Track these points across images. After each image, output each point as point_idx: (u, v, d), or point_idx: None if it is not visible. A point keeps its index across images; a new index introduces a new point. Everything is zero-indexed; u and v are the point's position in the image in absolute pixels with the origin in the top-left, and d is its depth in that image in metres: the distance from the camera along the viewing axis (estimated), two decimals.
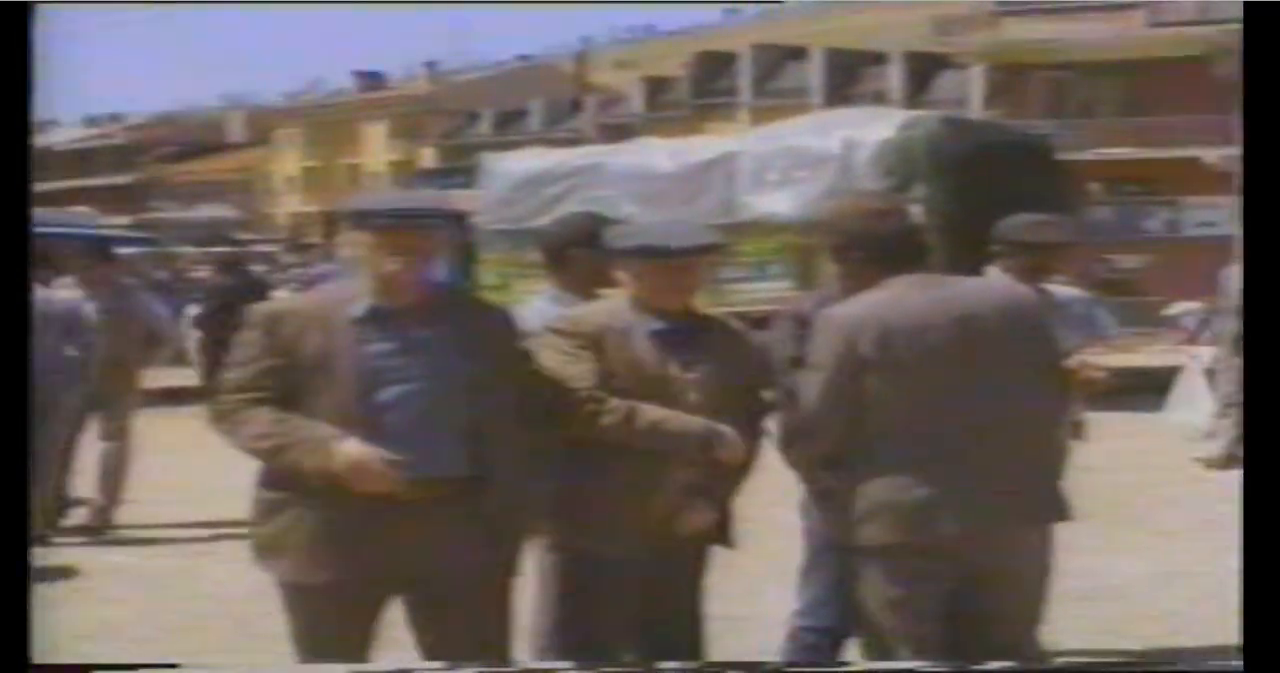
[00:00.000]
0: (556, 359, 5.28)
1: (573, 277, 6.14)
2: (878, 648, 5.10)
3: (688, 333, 5.34)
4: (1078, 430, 7.19)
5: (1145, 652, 7.31)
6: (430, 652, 5.10)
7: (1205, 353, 15.26)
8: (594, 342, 5.28)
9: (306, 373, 4.88)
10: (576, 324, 5.37)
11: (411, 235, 4.89)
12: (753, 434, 5.41)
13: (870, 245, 5.12)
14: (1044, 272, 6.98)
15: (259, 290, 21.41)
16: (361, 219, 4.96)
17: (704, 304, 5.55)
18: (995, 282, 6.22)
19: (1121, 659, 6.93)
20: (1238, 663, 4.31)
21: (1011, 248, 6.99)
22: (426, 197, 5.34)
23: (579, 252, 6.14)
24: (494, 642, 5.14)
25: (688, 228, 5.71)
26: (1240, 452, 12.27)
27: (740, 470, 5.39)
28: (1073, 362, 6.33)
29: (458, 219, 5.40)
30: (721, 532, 5.43)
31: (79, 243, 13.64)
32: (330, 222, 67.62)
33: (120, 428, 11.43)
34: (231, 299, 18.49)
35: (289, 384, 4.89)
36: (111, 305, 11.24)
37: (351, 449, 4.76)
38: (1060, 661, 5.97)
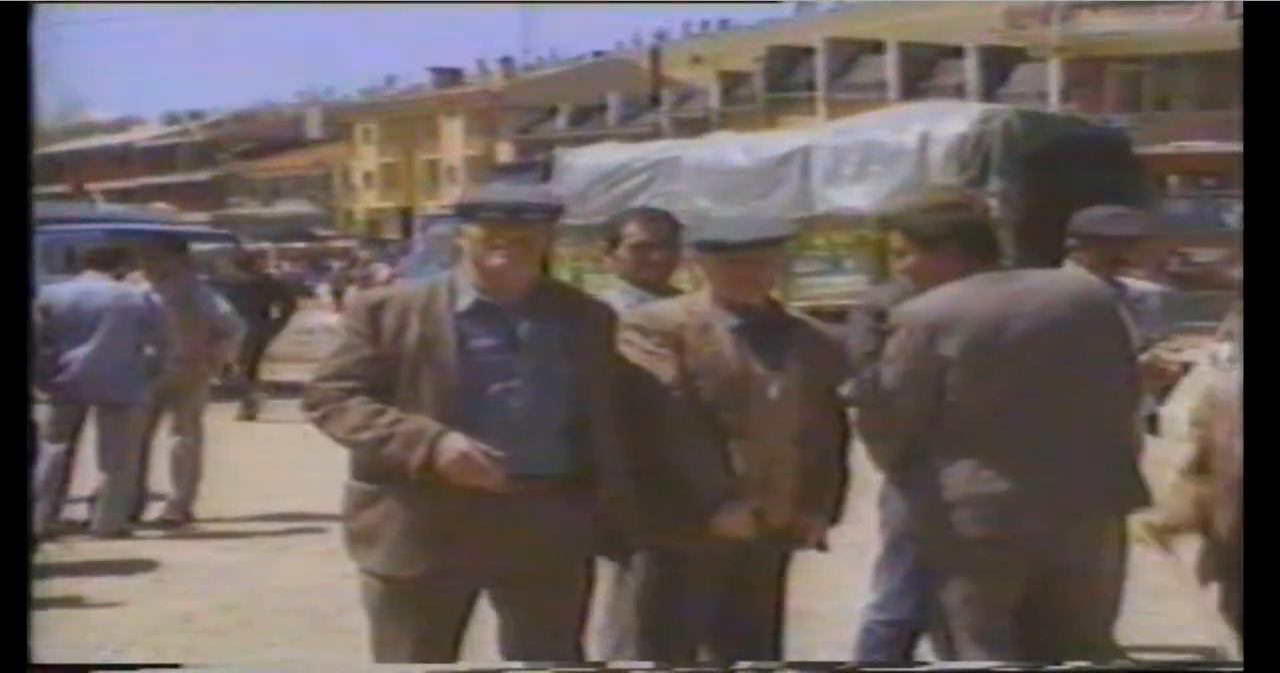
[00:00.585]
0: (637, 356, 5.26)
1: (639, 271, 6.20)
2: (950, 644, 5.09)
3: (768, 329, 5.29)
4: (1151, 424, 7.18)
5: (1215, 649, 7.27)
6: (511, 646, 5.10)
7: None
8: (674, 338, 5.24)
9: (407, 364, 4.86)
10: (656, 321, 5.33)
11: (518, 229, 4.88)
12: (837, 431, 5.39)
13: (948, 239, 5.10)
14: (1120, 265, 6.94)
15: (278, 290, 21.71)
16: (471, 211, 4.97)
17: (779, 298, 5.52)
18: (1070, 275, 6.17)
19: (1190, 658, 6.86)
20: (1238, 664, 4.28)
21: (1087, 241, 6.95)
22: (534, 191, 5.33)
23: (646, 247, 6.21)
24: (573, 639, 5.15)
25: (760, 221, 5.71)
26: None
27: (830, 472, 5.36)
28: (1146, 356, 6.32)
29: (562, 215, 5.44)
30: (809, 534, 5.39)
31: (148, 238, 13.74)
32: (408, 217, 67.94)
33: (191, 422, 11.50)
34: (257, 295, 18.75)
35: (388, 375, 4.87)
36: (178, 301, 11.30)
37: (456, 444, 4.74)
38: (1126, 659, 5.93)
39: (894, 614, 5.99)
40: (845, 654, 6.14)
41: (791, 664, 5.44)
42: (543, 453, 4.87)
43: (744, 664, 5.19)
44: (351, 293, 33.84)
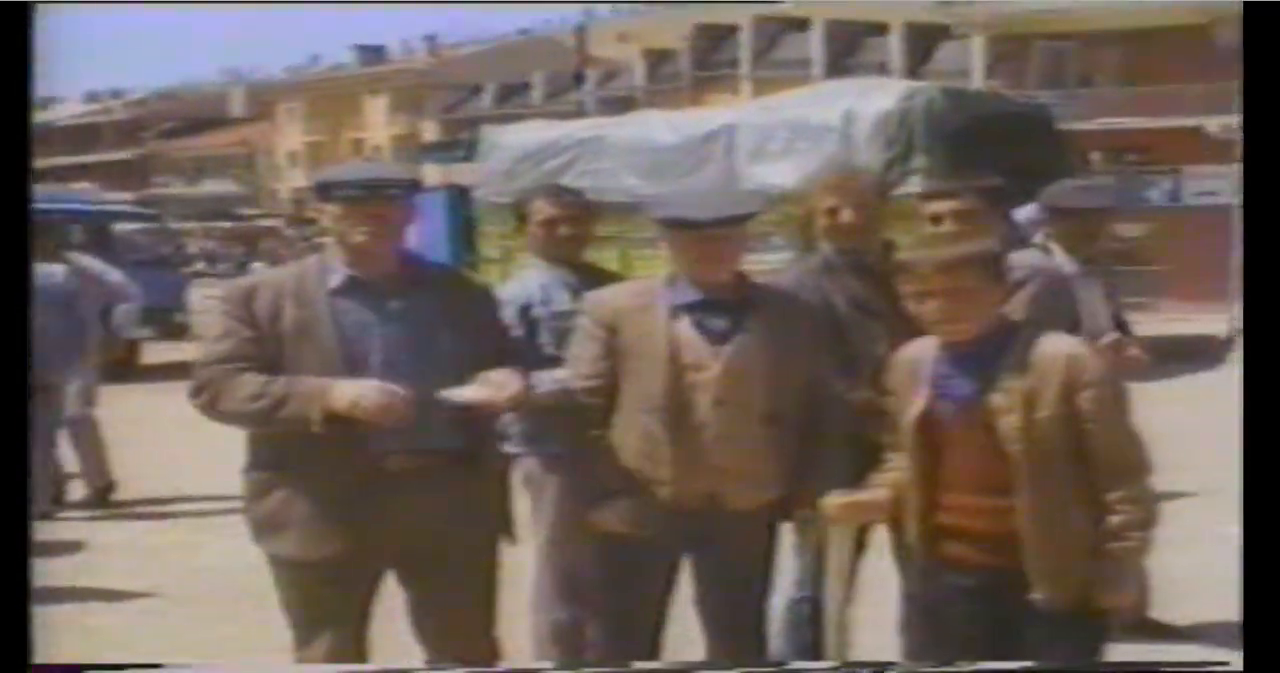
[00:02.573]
0: (577, 339, 5.30)
1: (549, 247, 6.26)
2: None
3: (725, 306, 5.21)
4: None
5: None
6: (420, 623, 5.15)
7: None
8: (610, 321, 5.23)
9: (286, 344, 4.89)
10: (596, 304, 5.35)
11: (375, 204, 4.89)
12: (817, 406, 5.31)
13: None
14: (1093, 238, 6.96)
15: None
16: (326, 190, 4.98)
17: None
18: None
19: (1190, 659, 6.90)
20: (1238, 664, 4.28)
21: (1060, 215, 6.98)
22: (390, 167, 5.36)
23: (554, 223, 6.27)
24: (484, 615, 5.17)
25: (725, 197, 5.63)
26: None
27: (816, 452, 5.26)
28: (1108, 340, 6.38)
29: (417, 187, 5.47)
30: (776, 515, 5.32)
31: (71, 217, 13.60)
32: None
33: (87, 396, 11.38)
34: None
35: (268, 356, 4.89)
36: (75, 276, 11.16)
37: (348, 386, 4.74)
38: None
39: (810, 591, 6.01)
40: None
41: (782, 665, 5.43)
42: (430, 428, 4.86)
43: (801, 664, 5.24)
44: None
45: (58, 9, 4.68)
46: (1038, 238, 7.04)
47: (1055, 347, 4.63)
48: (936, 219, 6.10)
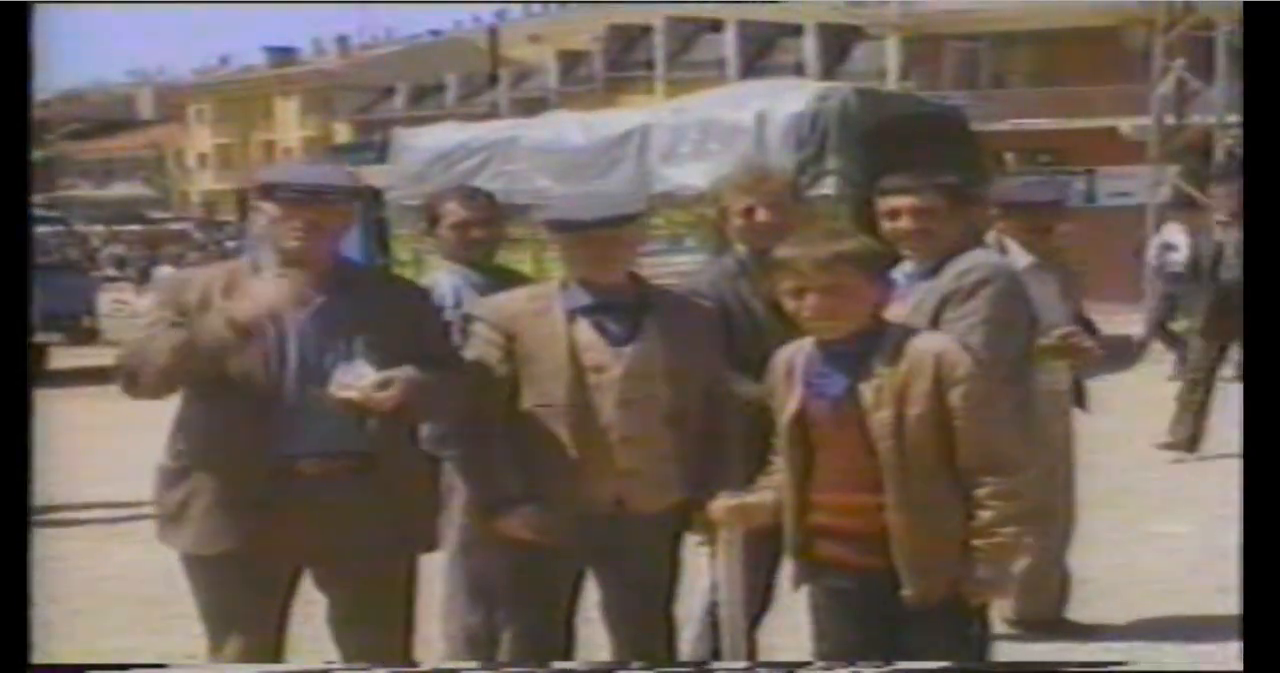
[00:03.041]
0: (474, 345, 5.25)
1: (460, 250, 6.24)
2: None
3: (624, 307, 5.20)
4: (1080, 400, 7.24)
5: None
6: (337, 626, 5.13)
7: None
8: (507, 327, 5.20)
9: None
10: (494, 310, 5.32)
11: (316, 210, 4.87)
12: (717, 406, 5.28)
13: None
14: (1047, 232, 6.94)
15: None
16: (269, 190, 4.94)
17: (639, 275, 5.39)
18: None
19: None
20: (1238, 664, 4.27)
21: (1012, 210, 6.98)
22: (333, 171, 5.29)
23: (465, 225, 6.24)
24: (398, 620, 5.14)
25: (609, 198, 5.66)
26: (1201, 432, 12.30)
27: (722, 453, 5.24)
28: (1060, 333, 6.39)
29: (364, 193, 5.45)
30: (681, 518, 5.27)
31: None
32: (243, 199, 67.46)
33: None
34: None
35: None
36: None
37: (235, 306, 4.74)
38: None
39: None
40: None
41: (764, 664, 5.40)
42: (342, 431, 4.84)
43: (719, 664, 5.17)
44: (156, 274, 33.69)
45: None
46: (989, 236, 7.03)
47: (926, 344, 4.68)
48: (894, 215, 6.05)
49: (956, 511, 4.58)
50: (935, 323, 5.54)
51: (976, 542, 4.56)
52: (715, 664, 5.38)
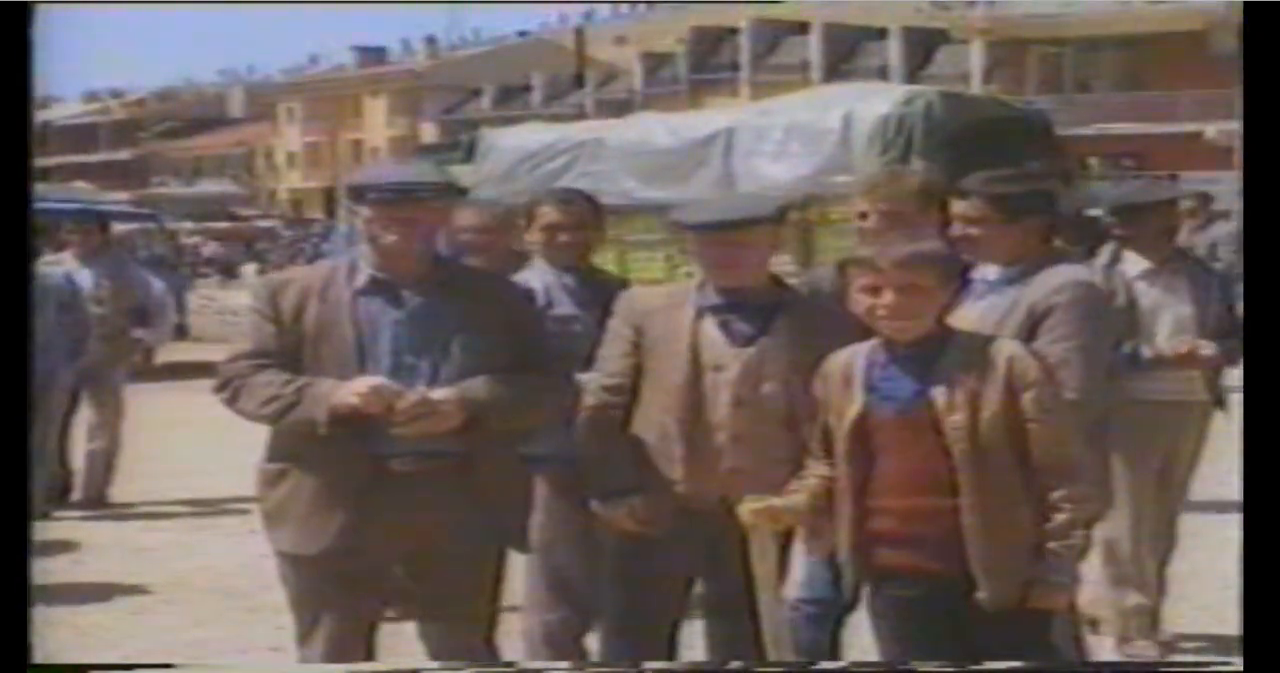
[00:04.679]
0: (605, 338, 5.32)
1: (549, 251, 6.25)
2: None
3: (752, 307, 5.20)
4: (1221, 404, 7.17)
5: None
6: (424, 621, 5.18)
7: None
8: (637, 321, 5.25)
9: (308, 342, 4.93)
10: (628, 303, 5.37)
11: (410, 208, 4.90)
12: None
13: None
14: (1171, 234, 6.82)
15: None
16: (360, 192, 4.99)
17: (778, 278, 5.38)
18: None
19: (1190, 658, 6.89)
20: (1238, 664, 4.27)
21: (1125, 214, 6.88)
22: (425, 170, 5.32)
23: (555, 228, 6.26)
24: (483, 616, 5.20)
25: (745, 199, 5.60)
26: None
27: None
28: (1181, 348, 6.36)
29: (456, 192, 5.46)
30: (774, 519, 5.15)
31: (74, 215, 13.69)
32: (331, 197, 67.55)
33: (110, 401, 11.46)
34: None
35: (292, 354, 4.94)
36: (105, 278, 11.31)
37: (349, 387, 4.77)
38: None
39: (815, 592, 6.00)
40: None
41: (778, 664, 5.42)
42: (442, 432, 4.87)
43: (734, 664, 5.17)
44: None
45: (57, 8, 4.68)
46: (1109, 247, 6.96)
47: (997, 348, 4.68)
48: (950, 220, 6.03)
49: (1029, 514, 4.59)
50: (1027, 337, 5.24)
51: (1051, 545, 4.57)
52: (822, 665, 5.40)
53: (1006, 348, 4.72)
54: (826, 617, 5.97)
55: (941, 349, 4.65)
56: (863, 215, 5.85)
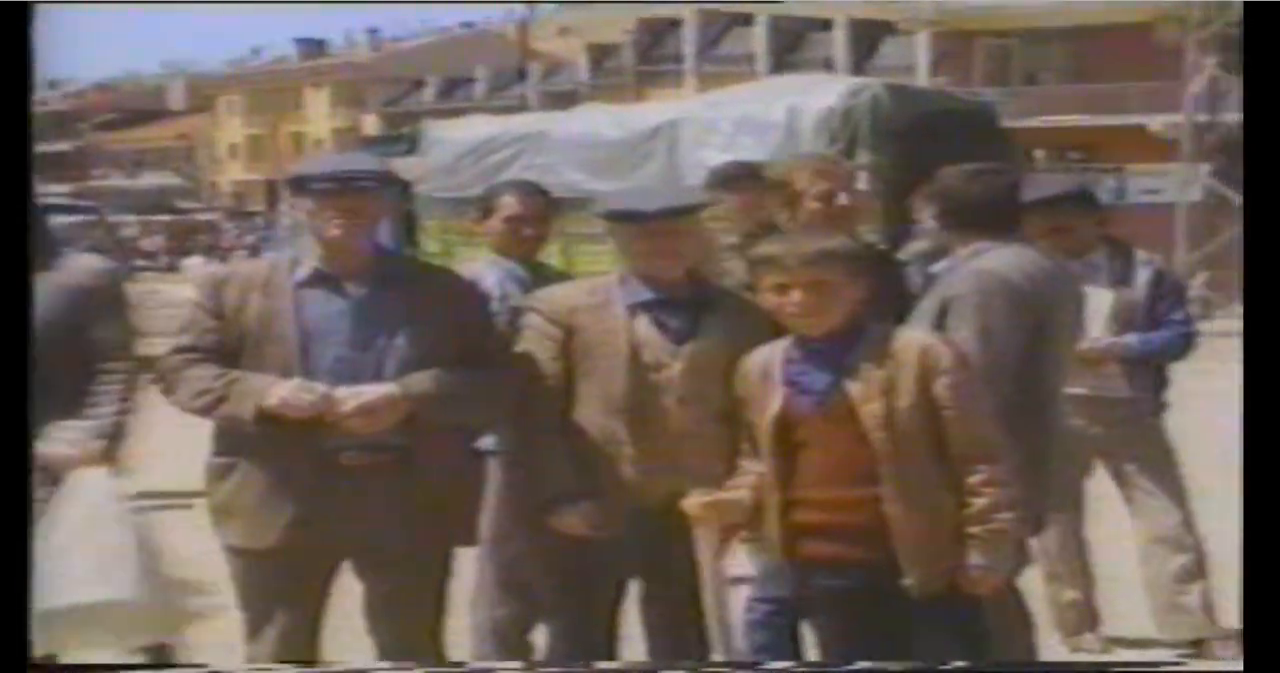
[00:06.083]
0: (528, 337, 5.22)
1: (510, 244, 6.21)
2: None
3: (684, 304, 5.17)
4: (1156, 409, 7.14)
5: None
6: (371, 616, 5.14)
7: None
8: (565, 319, 5.16)
9: (249, 336, 4.90)
10: (551, 302, 5.27)
11: (352, 199, 4.88)
12: None
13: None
14: (1068, 231, 6.80)
15: None
16: (302, 183, 4.95)
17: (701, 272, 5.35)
18: None
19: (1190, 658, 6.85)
20: (1238, 664, 4.26)
21: (1080, 208, 6.85)
22: (366, 160, 5.29)
23: (520, 220, 6.22)
24: (430, 611, 5.16)
25: (671, 190, 5.58)
26: None
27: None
28: (1083, 348, 6.32)
29: (397, 183, 5.43)
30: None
31: None
32: (273, 190, 67.48)
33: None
34: None
35: (231, 347, 4.91)
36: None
37: (280, 387, 4.75)
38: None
39: (768, 591, 5.96)
40: None
41: (761, 666, 5.38)
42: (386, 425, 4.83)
43: (771, 664, 5.21)
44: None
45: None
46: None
47: (909, 339, 4.75)
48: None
49: (950, 499, 4.65)
50: (938, 327, 5.24)
51: (973, 529, 4.63)
52: (770, 664, 5.38)
53: (918, 338, 4.80)
54: (781, 615, 5.93)
55: (853, 342, 4.71)
56: (826, 195, 5.81)
